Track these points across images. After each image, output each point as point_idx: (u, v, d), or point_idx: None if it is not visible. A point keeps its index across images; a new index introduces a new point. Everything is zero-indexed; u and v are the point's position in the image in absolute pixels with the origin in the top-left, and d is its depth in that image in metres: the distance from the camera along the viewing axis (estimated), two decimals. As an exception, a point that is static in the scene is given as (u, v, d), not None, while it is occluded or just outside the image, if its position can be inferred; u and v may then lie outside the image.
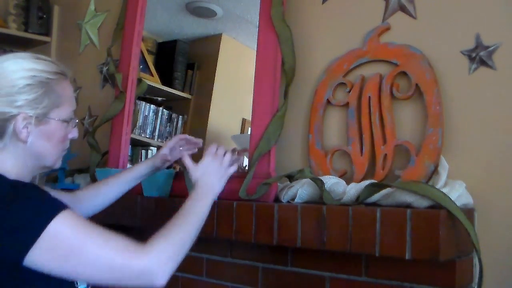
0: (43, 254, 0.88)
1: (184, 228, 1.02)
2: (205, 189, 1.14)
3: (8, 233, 0.88)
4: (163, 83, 2.08)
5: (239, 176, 1.41)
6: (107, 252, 0.90)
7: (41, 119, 1.02)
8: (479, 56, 1.14)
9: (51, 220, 0.88)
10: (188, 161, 1.22)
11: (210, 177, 1.18)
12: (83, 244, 0.89)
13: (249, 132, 1.47)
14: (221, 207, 1.30)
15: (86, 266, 0.90)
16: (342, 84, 1.35)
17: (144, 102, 2.03)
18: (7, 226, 0.88)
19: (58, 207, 0.91)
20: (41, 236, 0.87)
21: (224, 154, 1.23)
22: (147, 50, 2.11)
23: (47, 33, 2.48)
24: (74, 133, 1.12)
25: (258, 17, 1.47)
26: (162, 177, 1.55)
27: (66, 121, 1.07)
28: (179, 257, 0.98)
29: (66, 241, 0.89)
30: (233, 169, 1.24)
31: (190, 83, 2.10)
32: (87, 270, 0.90)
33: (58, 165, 1.11)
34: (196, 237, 1.05)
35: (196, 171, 1.19)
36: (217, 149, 1.23)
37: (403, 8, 1.28)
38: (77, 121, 1.13)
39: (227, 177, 1.22)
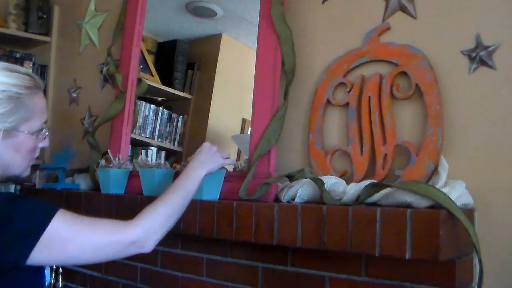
0: (43, 252, 0.96)
1: (170, 202, 1.12)
2: (195, 164, 1.22)
3: (10, 241, 0.94)
4: (163, 83, 2.08)
5: (239, 176, 1.41)
6: (98, 235, 1.01)
7: (10, 132, 1.05)
8: (479, 56, 1.14)
9: (48, 223, 0.96)
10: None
11: (202, 155, 1.26)
12: (76, 236, 1.00)
13: (249, 132, 1.47)
14: (221, 207, 1.30)
15: (83, 252, 1.01)
16: (342, 84, 1.35)
17: (144, 102, 2.03)
18: (7, 235, 0.94)
19: (51, 210, 0.99)
20: (40, 239, 0.95)
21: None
22: (147, 50, 2.11)
23: (47, 33, 2.49)
24: (45, 143, 1.16)
25: (258, 17, 1.47)
26: (162, 176, 1.55)
27: (36, 133, 1.10)
28: (164, 228, 1.09)
29: (62, 236, 0.98)
30: (227, 161, 1.32)
31: (190, 83, 2.10)
32: (84, 255, 1.02)
33: (26, 174, 1.15)
34: (186, 207, 1.17)
35: (194, 155, 1.27)
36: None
37: (403, 8, 1.28)
38: (47, 133, 1.16)
39: (219, 164, 1.29)
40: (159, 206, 1.10)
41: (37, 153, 1.14)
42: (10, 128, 1.04)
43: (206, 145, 1.29)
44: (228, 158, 1.33)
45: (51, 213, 0.98)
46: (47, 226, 0.96)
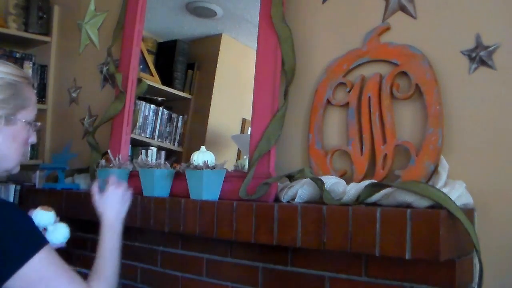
0: (17, 282, 0.97)
1: (111, 263, 1.19)
2: (111, 221, 1.27)
3: None
4: (163, 83, 2.08)
5: (239, 176, 1.41)
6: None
7: (10, 119, 1.07)
8: (479, 56, 1.14)
9: (32, 256, 0.98)
10: (94, 191, 1.34)
11: (114, 207, 1.29)
12: (51, 280, 1.01)
13: (249, 132, 1.47)
14: (221, 207, 1.30)
15: None
16: (342, 84, 1.35)
17: (144, 102, 2.03)
18: None
19: (39, 244, 1.01)
20: (21, 268, 0.96)
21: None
22: (147, 50, 2.11)
23: (47, 33, 2.49)
24: (33, 138, 1.17)
25: (258, 17, 1.47)
26: (162, 176, 1.55)
27: (30, 124, 1.13)
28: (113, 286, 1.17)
29: (39, 274, 1.00)
30: (129, 195, 1.36)
31: (190, 83, 2.10)
32: None
33: (16, 170, 1.15)
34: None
35: (101, 202, 1.30)
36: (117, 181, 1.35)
37: (403, 8, 1.28)
38: (39, 124, 1.18)
39: (128, 204, 1.34)
40: (106, 272, 1.16)
41: (27, 149, 1.17)
42: (10, 115, 1.07)
43: (114, 190, 1.31)
44: (129, 192, 1.36)
45: (38, 247, 1.00)
46: (30, 259, 0.97)
